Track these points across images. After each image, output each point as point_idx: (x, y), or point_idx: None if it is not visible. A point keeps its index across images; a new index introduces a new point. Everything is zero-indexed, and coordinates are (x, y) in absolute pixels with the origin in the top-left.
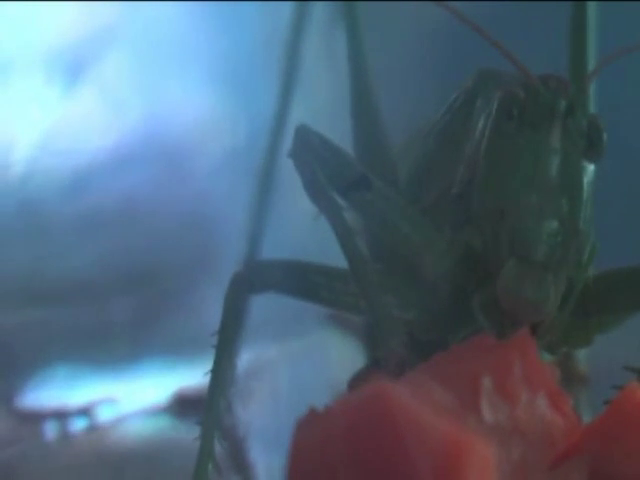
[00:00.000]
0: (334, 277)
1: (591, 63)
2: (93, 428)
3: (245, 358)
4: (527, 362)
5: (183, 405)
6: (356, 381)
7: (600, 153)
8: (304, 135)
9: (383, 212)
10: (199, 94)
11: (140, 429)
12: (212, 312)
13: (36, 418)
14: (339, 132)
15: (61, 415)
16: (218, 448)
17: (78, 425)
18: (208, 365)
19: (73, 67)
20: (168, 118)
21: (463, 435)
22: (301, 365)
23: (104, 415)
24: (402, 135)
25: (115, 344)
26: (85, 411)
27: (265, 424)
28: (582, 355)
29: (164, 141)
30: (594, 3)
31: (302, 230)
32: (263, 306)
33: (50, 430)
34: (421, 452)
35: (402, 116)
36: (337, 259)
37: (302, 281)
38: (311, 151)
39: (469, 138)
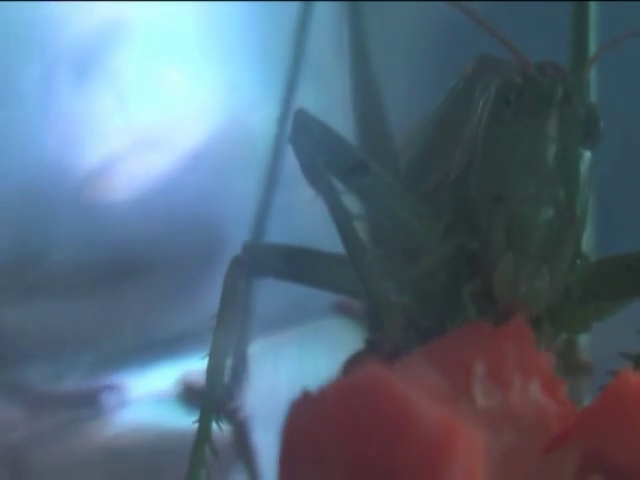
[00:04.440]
0: (332, 262)
1: (592, 51)
2: (100, 415)
3: (249, 342)
4: (522, 348)
5: (189, 391)
6: (350, 364)
7: (597, 140)
8: (303, 120)
9: (381, 197)
10: (206, 86)
11: (147, 416)
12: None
13: (44, 405)
14: (342, 122)
15: (69, 402)
16: (218, 432)
17: (85, 413)
18: None
19: (85, 62)
20: (176, 109)
21: (453, 420)
22: (305, 350)
23: (111, 402)
24: (405, 125)
25: (122, 332)
26: (92, 399)
27: (267, 408)
28: (585, 343)
29: (171, 132)
30: None
31: (307, 218)
32: (268, 291)
33: (58, 417)
34: (411, 436)
35: (404, 106)
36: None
37: (300, 265)
38: (309, 135)
39: (467, 125)
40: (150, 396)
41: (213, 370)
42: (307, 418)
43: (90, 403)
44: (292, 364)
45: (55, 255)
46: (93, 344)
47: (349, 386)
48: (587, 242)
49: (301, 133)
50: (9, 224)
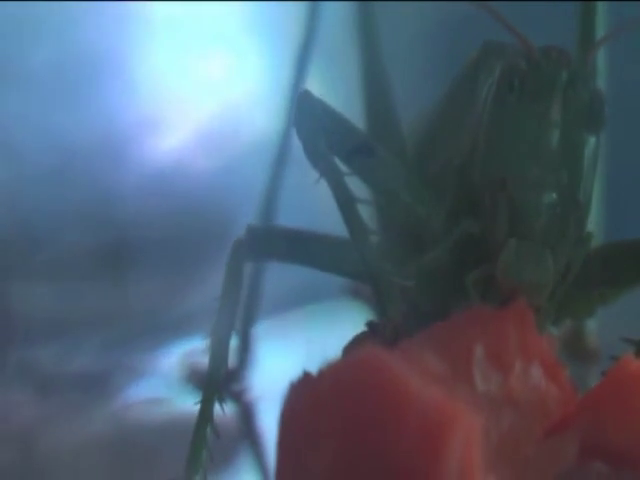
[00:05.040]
0: (335, 245)
1: (600, 35)
2: (108, 396)
3: (254, 323)
4: (523, 332)
5: (195, 373)
6: (351, 347)
7: (601, 125)
8: (307, 101)
9: (384, 179)
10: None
11: (154, 397)
12: None
13: (54, 386)
14: (350, 107)
15: (77, 383)
16: (223, 413)
17: (94, 393)
18: None
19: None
20: (187, 90)
21: (450, 403)
22: (315, 331)
23: (119, 383)
24: (413, 112)
25: (131, 313)
26: (101, 379)
27: (274, 389)
28: (593, 330)
29: (181, 113)
30: None
31: (317, 200)
32: (279, 272)
33: (67, 397)
34: (408, 419)
35: (412, 93)
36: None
37: (303, 248)
38: (313, 117)
39: (472, 110)
40: (158, 377)
41: (215, 351)
42: (305, 399)
43: (99, 384)
44: (301, 345)
45: (64, 236)
46: (102, 325)
47: (347, 367)
48: (595, 228)
49: (305, 114)
50: (18, 205)
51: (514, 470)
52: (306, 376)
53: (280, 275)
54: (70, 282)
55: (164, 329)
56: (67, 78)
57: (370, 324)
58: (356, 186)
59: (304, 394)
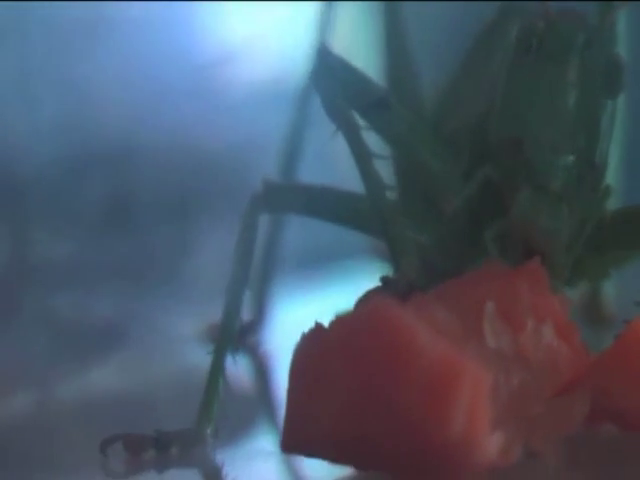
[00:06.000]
0: (351, 200)
1: None
2: (126, 348)
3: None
4: (536, 291)
5: (213, 328)
6: (363, 300)
7: (618, 89)
8: (325, 55)
9: (401, 133)
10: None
11: (173, 351)
12: None
13: (72, 335)
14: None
15: (96, 333)
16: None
17: (112, 344)
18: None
19: None
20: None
21: (458, 355)
22: (332, 288)
23: (139, 335)
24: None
25: (152, 265)
26: (120, 330)
27: (291, 343)
28: (610, 295)
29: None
30: None
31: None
32: (302, 228)
33: (85, 347)
34: (415, 369)
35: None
36: None
37: (318, 203)
38: (331, 71)
39: (490, 69)
40: (173, 329)
41: (229, 302)
42: (316, 348)
43: (117, 335)
44: (319, 301)
45: (81, 187)
46: (123, 277)
47: (357, 317)
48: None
49: (323, 69)
50: (36, 155)
51: (522, 427)
52: (317, 326)
53: (301, 233)
54: (88, 232)
55: (186, 282)
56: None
57: (384, 279)
58: (374, 142)
59: (315, 344)
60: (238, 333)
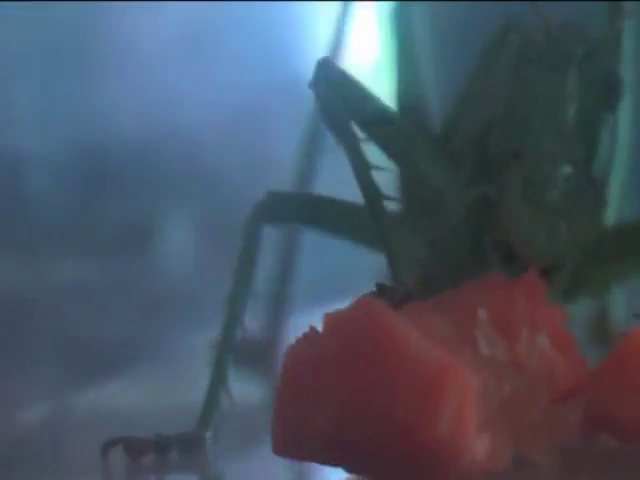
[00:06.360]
0: (352, 211)
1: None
2: (132, 365)
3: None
4: (532, 301)
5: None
6: (356, 305)
7: (617, 102)
8: (326, 68)
9: (401, 147)
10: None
11: (183, 372)
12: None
13: (85, 351)
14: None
15: (103, 350)
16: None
17: (118, 361)
18: None
19: None
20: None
21: (446, 359)
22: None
23: (145, 354)
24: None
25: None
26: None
27: None
28: (619, 314)
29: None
30: None
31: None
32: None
33: (99, 369)
34: (404, 372)
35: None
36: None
37: (319, 213)
38: (332, 83)
39: (492, 82)
40: (183, 350)
41: (230, 313)
42: (307, 351)
43: (129, 353)
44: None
45: (105, 210)
46: (130, 294)
47: (349, 320)
48: (620, 206)
49: (324, 80)
50: (60, 171)
51: (514, 433)
52: (310, 330)
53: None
54: (102, 252)
55: (192, 301)
56: None
57: (379, 285)
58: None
59: (306, 347)
60: (252, 351)
